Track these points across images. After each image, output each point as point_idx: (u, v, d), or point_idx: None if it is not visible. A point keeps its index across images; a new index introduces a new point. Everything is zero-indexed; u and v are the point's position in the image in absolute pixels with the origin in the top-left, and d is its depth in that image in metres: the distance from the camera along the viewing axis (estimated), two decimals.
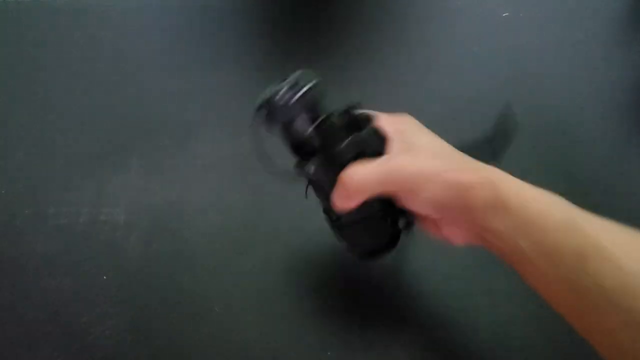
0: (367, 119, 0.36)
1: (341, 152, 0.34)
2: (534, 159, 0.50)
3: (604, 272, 0.26)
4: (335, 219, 0.36)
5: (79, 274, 0.49)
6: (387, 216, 0.36)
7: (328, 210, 0.36)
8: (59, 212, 0.50)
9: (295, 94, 0.34)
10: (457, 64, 0.53)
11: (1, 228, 0.50)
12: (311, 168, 0.34)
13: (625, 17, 0.54)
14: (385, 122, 0.36)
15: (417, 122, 0.38)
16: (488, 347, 0.44)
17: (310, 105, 0.34)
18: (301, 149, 0.35)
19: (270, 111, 0.34)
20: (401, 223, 0.37)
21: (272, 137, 0.35)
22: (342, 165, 0.33)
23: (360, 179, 0.33)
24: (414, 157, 0.34)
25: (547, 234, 0.29)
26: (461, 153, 0.35)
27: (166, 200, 0.50)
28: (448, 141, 0.51)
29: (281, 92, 0.34)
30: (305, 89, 0.34)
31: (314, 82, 0.34)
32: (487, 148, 0.37)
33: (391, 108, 0.54)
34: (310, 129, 0.34)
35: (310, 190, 0.37)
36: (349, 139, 0.34)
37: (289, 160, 0.35)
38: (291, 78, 0.34)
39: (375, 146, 0.34)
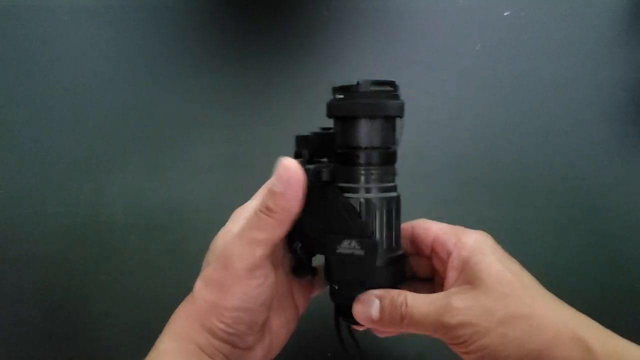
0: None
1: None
2: (535, 158, 0.50)
3: None
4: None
5: (78, 274, 0.49)
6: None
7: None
8: (58, 212, 0.50)
9: None
10: (458, 63, 0.53)
11: (0, 228, 0.50)
12: None
13: (627, 16, 0.54)
14: (449, 244, 0.32)
15: (486, 242, 0.32)
16: None
17: None
18: None
19: None
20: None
21: None
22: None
23: (412, 311, 0.30)
24: (475, 298, 0.29)
25: None
26: (536, 285, 0.30)
27: (165, 200, 0.50)
28: (450, 143, 0.51)
29: None
30: None
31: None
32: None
33: None
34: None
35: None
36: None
37: None
38: None
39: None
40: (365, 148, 0.32)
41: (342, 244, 0.33)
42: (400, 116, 0.33)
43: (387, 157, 0.33)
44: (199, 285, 0.31)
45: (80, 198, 0.51)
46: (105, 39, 0.56)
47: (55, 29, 0.56)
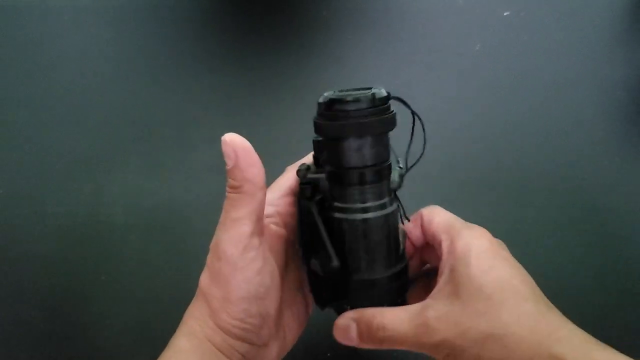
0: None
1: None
2: (535, 158, 0.50)
3: None
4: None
5: (78, 274, 0.49)
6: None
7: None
8: (58, 212, 0.50)
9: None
10: (458, 63, 0.53)
11: (0, 228, 0.50)
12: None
13: (627, 16, 0.54)
14: (444, 246, 0.31)
15: (478, 246, 0.30)
16: None
17: None
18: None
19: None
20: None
21: None
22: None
23: (390, 332, 0.30)
24: (451, 315, 0.28)
25: None
26: (521, 297, 0.28)
27: (165, 200, 0.50)
28: (450, 143, 0.51)
29: None
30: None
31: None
32: None
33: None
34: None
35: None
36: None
37: None
38: None
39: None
40: (352, 168, 0.31)
41: (312, 260, 0.33)
42: (392, 129, 0.31)
43: (376, 175, 0.31)
44: (204, 282, 0.31)
45: (80, 198, 0.51)
46: (105, 39, 0.56)
47: (55, 29, 0.56)
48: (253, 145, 0.30)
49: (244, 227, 0.29)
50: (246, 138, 0.54)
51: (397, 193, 0.33)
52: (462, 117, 0.51)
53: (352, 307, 0.33)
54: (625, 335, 0.44)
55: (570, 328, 0.27)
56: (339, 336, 0.33)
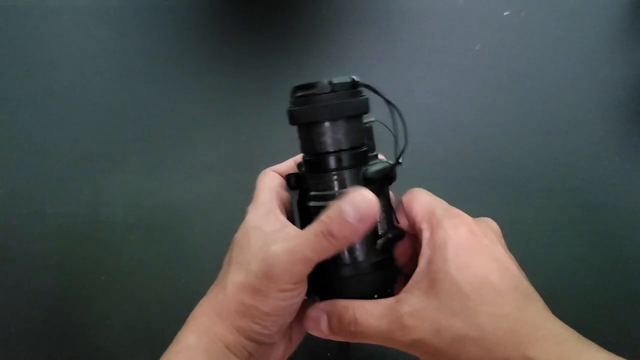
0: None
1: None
2: (535, 158, 0.50)
3: None
4: None
5: (78, 274, 0.49)
6: None
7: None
8: (58, 212, 0.50)
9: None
10: (458, 63, 0.53)
11: (0, 228, 0.50)
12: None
13: (627, 16, 0.54)
14: (424, 237, 0.30)
15: (456, 238, 0.29)
16: None
17: None
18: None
19: None
20: None
21: None
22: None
23: (362, 327, 0.29)
24: (426, 313, 0.27)
25: None
26: (500, 296, 0.27)
27: (165, 200, 0.50)
28: (450, 143, 0.51)
29: None
30: None
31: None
32: None
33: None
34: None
35: None
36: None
37: None
38: None
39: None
40: (315, 154, 0.31)
41: None
42: (366, 112, 0.31)
43: (339, 162, 0.30)
44: (234, 287, 0.30)
45: (80, 198, 0.51)
46: (105, 39, 0.56)
47: (55, 29, 0.56)
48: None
49: (309, 269, 0.29)
50: (246, 138, 0.54)
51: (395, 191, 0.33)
52: (462, 117, 0.51)
53: (322, 298, 0.32)
54: (625, 335, 0.44)
55: (549, 326, 0.26)
56: (309, 327, 0.32)
